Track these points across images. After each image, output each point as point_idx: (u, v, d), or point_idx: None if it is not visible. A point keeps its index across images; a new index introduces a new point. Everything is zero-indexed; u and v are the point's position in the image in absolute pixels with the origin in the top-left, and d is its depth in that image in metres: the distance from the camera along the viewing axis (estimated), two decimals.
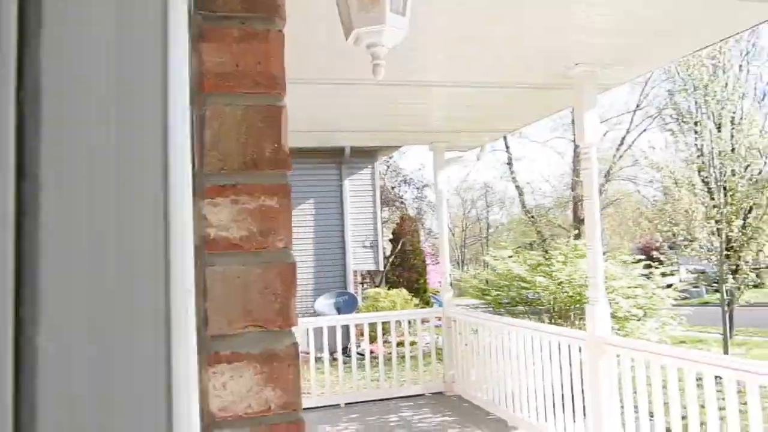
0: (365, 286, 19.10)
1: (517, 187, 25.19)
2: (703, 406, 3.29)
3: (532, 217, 23.48)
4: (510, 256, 6.44)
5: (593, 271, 4.17)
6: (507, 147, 25.44)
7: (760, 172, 8.25)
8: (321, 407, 6.46)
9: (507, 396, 5.42)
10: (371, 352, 8.21)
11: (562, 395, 4.53)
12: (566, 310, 6.03)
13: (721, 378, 3.19)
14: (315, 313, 11.57)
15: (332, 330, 6.62)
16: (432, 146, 6.98)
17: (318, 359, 7.95)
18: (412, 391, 6.82)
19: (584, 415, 4.34)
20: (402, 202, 23.30)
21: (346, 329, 6.98)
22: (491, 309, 6.57)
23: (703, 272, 16.28)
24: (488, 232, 41.48)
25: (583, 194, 4.29)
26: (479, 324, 6.01)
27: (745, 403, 3.04)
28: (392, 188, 23.77)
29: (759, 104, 13.66)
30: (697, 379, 3.36)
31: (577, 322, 5.90)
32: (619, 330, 5.44)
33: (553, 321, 6.14)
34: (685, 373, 3.41)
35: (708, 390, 3.26)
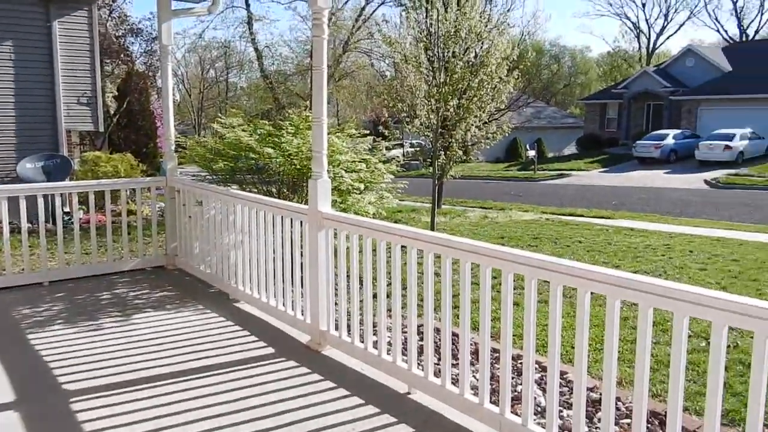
0: (84, 148, 17.11)
1: (256, 49, 24.20)
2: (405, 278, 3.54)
3: (271, 83, 22.93)
4: (240, 125, 6.11)
5: (317, 146, 4.10)
6: (247, 5, 24.01)
7: (476, 56, 8.97)
8: (18, 287, 5.71)
9: (230, 269, 5.34)
10: (84, 222, 7.42)
11: (283, 268, 4.56)
12: (297, 183, 6.01)
13: (422, 251, 3.43)
14: (18, 178, 10.02)
15: (32, 199, 5.74)
16: None
17: (14, 231, 6.93)
18: (129, 265, 6.38)
19: (302, 285, 4.45)
20: (128, 56, 20.85)
21: (51, 198, 6.11)
22: (219, 179, 6.28)
23: (421, 147, 17.77)
24: (227, 95, 39.90)
25: (313, 64, 4.10)
26: (204, 195, 5.71)
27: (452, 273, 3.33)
28: (117, 38, 21.04)
29: None
30: (402, 248, 3.59)
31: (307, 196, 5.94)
32: (341, 203, 5.60)
33: (282, 195, 6.09)
34: (393, 245, 3.60)
35: (412, 259, 3.51)
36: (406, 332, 3.66)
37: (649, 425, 3.41)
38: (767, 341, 2.13)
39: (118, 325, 4.76)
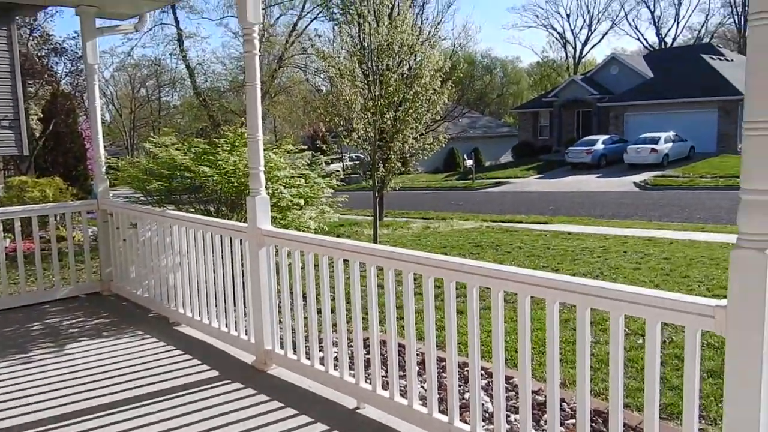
0: (8, 173, 16.33)
1: (188, 67, 23.72)
2: (348, 292, 3.52)
3: (204, 100, 22.52)
4: (174, 143, 5.97)
5: (254, 162, 4.05)
6: (177, 22, 23.57)
7: (410, 69, 9.09)
8: None
9: (169, 292, 5.18)
10: (10, 250, 7.06)
11: (224, 288, 4.46)
12: (236, 201, 5.90)
13: (365, 263, 3.42)
14: None
15: None
16: (79, 10, 5.92)
17: None
18: (62, 293, 6.10)
19: (244, 305, 4.36)
20: (53, 76, 20.09)
21: None
22: (153, 200, 6.10)
23: (360, 160, 17.82)
24: (160, 114, 38.96)
25: (246, 81, 4.05)
26: (138, 217, 5.53)
27: (397, 283, 3.32)
28: (40, 58, 20.27)
29: (412, 2, 14.92)
30: (345, 261, 3.56)
31: (246, 213, 5.83)
32: (281, 220, 5.54)
33: (220, 213, 5.97)
34: (335, 260, 3.58)
35: (354, 273, 3.49)
36: (352, 346, 3.64)
37: (594, 424, 3.49)
38: (697, 334, 2.22)
39: (52, 356, 4.54)
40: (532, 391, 3.73)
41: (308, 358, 3.94)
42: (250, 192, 4.10)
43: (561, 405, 3.75)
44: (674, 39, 64.33)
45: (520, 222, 14.90)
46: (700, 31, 62.87)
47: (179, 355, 4.52)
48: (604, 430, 3.45)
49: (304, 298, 3.86)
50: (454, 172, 37.79)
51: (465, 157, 33.77)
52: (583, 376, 2.53)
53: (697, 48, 44.32)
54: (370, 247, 3.45)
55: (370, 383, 3.53)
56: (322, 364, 3.85)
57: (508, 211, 18.25)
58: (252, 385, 3.92)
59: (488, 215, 16.76)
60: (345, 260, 3.58)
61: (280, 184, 5.62)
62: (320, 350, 3.91)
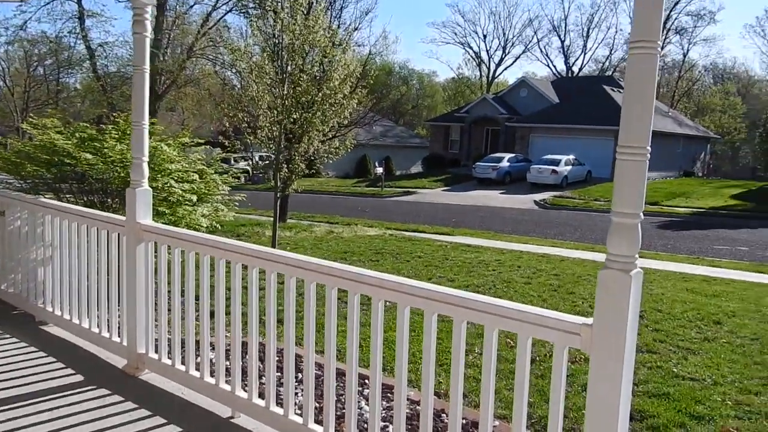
0: None
1: (89, 47, 22.30)
2: (229, 288, 3.36)
3: (103, 85, 21.28)
4: (56, 126, 5.55)
5: (137, 152, 3.80)
6: None
7: (321, 71, 8.98)
8: None
9: (38, 288, 4.77)
10: None
11: (98, 286, 4.16)
12: (123, 193, 5.55)
13: (247, 265, 3.28)
14: None
15: None
16: None
17: None
18: None
19: (118, 305, 4.08)
20: None
21: None
22: (29, 187, 5.64)
23: (267, 159, 17.47)
24: (58, 96, 36.59)
25: (134, 63, 3.80)
26: (7, 204, 5.07)
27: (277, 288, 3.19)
28: None
29: (329, 4, 14.81)
30: (227, 263, 3.40)
31: None
32: (170, 215, 5.27)
33: (105, 206, 5.61)
34: (216, 260, 3.41)
35: (236, 275, 3.33)
36: (230, 353, 3.47)
37: None
38: (564, 351, 2.25)
39: None
40: (414, 401, 3.71)
41: (183, 364, 3.72)
42: (131, 183, 3.84)
43: (441, 416, 3.77)
44: (580, 68, 67.93)
45: (423, 232, 15.09)
46: (604, 64, 66.70)
47: (41, 357, 4.16)
48: None
49: (183, 300, 3.66)
50: (365, 179, 37.94)
51: (376, 164, 33.97)
52: (456, 386, 2.51)
53: (600, 79, 47.00)
54: (253, 249, 3.30)
55: (247, 391, 3.38)
56: (197, 370, 3.65)
57: (413, 220, 18.46)
58: (120, 392, 3.65)
59: (393, 223, 16.88)
60: (227, 261, 3.42)
61: (171, 178, 5.34)
62: (197, 356, 3.71)
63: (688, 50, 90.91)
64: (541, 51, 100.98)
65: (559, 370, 2.25)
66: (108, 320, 4.18)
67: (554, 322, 2.25)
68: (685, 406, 4.06)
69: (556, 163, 31.95)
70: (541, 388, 4.29)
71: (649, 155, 2.07)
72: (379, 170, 31.70)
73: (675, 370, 4.87)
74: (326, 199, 26.83)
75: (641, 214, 2.07)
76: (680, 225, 20.65)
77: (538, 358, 4.94)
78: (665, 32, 62.77)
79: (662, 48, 64.49)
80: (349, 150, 10.45)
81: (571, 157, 33.08)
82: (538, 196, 28.39)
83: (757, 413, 4.05)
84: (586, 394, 2.19)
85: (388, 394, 3.82)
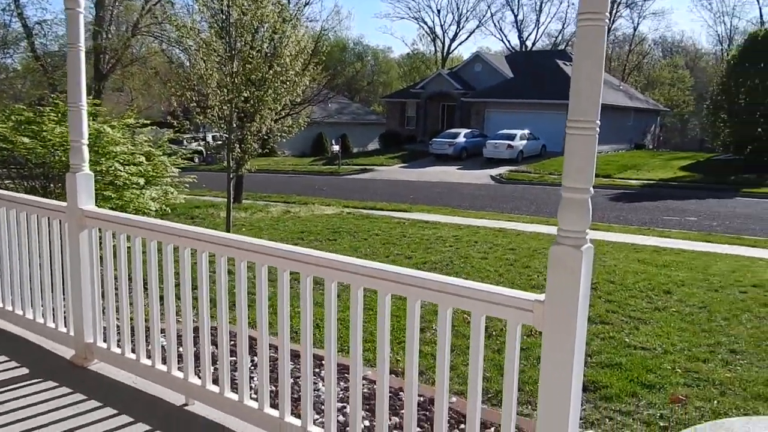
0: None
1: (26, 26, 21.23)
2: (178, 273, 3.26)
3: (43, 65, 20.35)
4: None
5: (76, 134, 3.63)
6: None
7: (272, 47, 8.77)
8: None
9: None
10: None
11: (41, 275, 3.99)
12: (64, 177, 5.33)
13: (196, 249, 3.18)
14: None
15: None
16: None
17: None
18: None
19: (63, 294, 3.93)
20: None
21: None
22: None
23: (220, 139, 17.15)
24: None
25: (68, 41, 3.61)
26: None
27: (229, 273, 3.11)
28: None
29: None
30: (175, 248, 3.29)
31: None
32: (117, 200, 5.09)
33: (48, 192, 5.38)
34: (164, 245, 3.30)
35: (184, 260, 3.23)
36: (183, 339, 3.38)
37: (427, 412, 3.52)
38: (518, 327, 2.25)
39: None
40: (372, 381, 3.70)
41: (134, 352, 3.62)
42: (71, 168, 3.67)
43: (398, 395, 3.77)
44: (534, 43, 68.53)
45: (381, 209, 15.08)
46: (557, 38, 67.42)
47: None
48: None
49: (131, 286, 3.54)
50: (321, 157, 37.65)
51: (332, 142, 33.70)
52: (411, 365, 2.50)
53: (553, 53, 47.49)
54: (201, 233, 3.20)
55: (200, 378, 3.30)
56: (149, 357, 3.55)
57: (370, 198, 18.42)
58: (68, 383, 3.53)
59: (351, 201, 16.81)
60: (176, 246, 3.31)
61: (116, 161, 5.15)
62: (147, 343, 3.61)
63: (638, 24, 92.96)
64: (495, 26, 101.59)
65: (513, 347, 2.25)
66: (53, 310, 4.03)
67: (507, 299, 2.24)
68: (637, 376, 4.16)
69: (512, 137, 32.27)
70: (498, 363, 4.33)
71: (598, 129, 2.05)
72: (336, 148, 31.46)
73: (627, 340, 4.99)
74: (283, 179, 26.53)
75: (591, 188, 2.06)
76: (632, 197, 21.16)
77: (495, 333, 4.99)
78: (616, 6, 63.72)
79: (613, 21, 65.57)
80: (303, 128, 10.29)
81: (526, 131, 33.45)
82: (495, 171, 28.68)
83: (705, 380, 4.18)
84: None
85: (346, 375, 3.80)
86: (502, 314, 2.30)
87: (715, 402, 3.83)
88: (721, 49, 61.29)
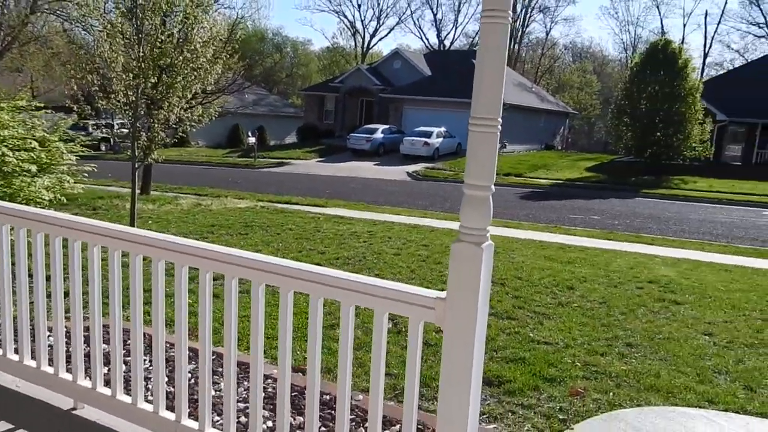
0: None
1: None
2: (67, 267, 3.04)
3: None
4: None
5: None
6: None
7: (183, 33, 8.40)
8: None
9: None
10: None
11: None
12: None
13: (77, 241, 2.98)
14: None
15: None
16: None
17: None
18: None
19: None
20: None
21: None
22: None
23: (126, 127, 16.43)
24: None
25: None
26: None
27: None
28: None
29: None
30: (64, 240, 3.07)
31: None
32: (5, 187, 4.71)
33: None
34: (51, 238, 3.07)
35: (74, 253, 3.02)
36: (71, 338, 3.16)
37: (333, 411, 3.47)
38: (420, 325, 2.23)
39: None
40: (276, 379, 3.61)
41: (17, 353, 3.35)
42: None
43: (304, 393, 3.69)
44: (452, 42, 69.89)
45: (297, 204, 14.89)
46: (474, 38, 68.99)
47: None
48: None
49: (15, 282, 3.27)
50: (237, 149, 36.80)
51: (249, 134, 32.95)
52: (313, 361, 2.44)
53: (470, 53, 48.49)
54: (92, 225, 2.99)
55: (90, 380, 3.10)
56: (33, 359, 3.30)
57: (286, 192, 18.16)
58: None
59: (266, 195, 16.49)
60: (64, 239, 3.08)
61: (4, 146, 4.77)
62: (32, 343, 3.35)
63: (550, 29, 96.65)
64: (415, 23, 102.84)
65: (415, 345, 2.23)
66: None
67: (410, 297, 2.22)
68: (539, 370, 4.29)
69: (428, 135, 32.74)
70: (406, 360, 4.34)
71: (500, 127, 2.06)
72: (252, 140, 30.78)
73: (531, 335, 5.13)
74: (196, 170, 25.71)
75: (493, 186, 2.07)
76: (541, 195, 21.98)
77: (405, 329, 5.00)
78: (530, 10, 66.03)
79: (527, 25, 67.63)
80: (214, 118, 9.96)
81: (443, 129, 34.03)
82: (411, 168, 28.99)
83: (603, 373, 4.36)
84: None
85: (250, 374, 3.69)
86: (404, 312, 2.28)
87: (611, 394, 4.00)
88: (626, 57, 64.86)
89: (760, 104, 32.92)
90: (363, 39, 71.05)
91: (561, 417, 3.60)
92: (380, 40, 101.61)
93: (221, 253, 2.63)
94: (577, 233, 12.53)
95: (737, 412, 3.84)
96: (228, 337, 2.64)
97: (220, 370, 3.70)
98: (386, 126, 36.19)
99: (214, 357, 3.07)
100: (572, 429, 3.46)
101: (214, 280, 2.69)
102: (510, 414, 3.62)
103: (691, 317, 6.02)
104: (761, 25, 60.78)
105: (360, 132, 35.20)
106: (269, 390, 3.63)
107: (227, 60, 10.07)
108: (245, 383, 3.61)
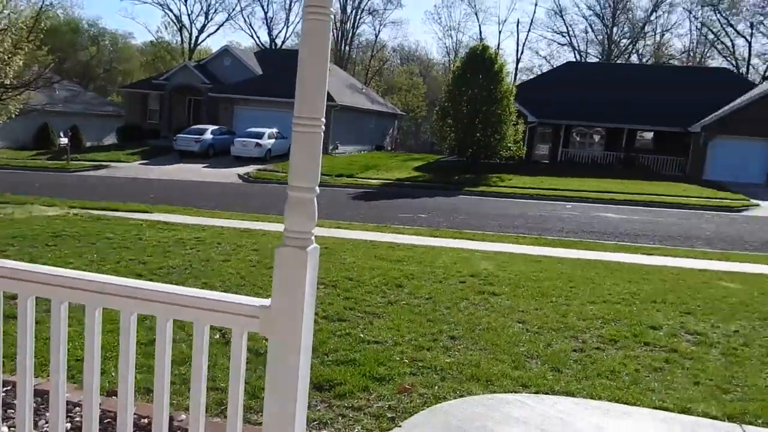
0: None
1: None
2: None
3: None
4: None
5: None
6: None
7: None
8: None
9: None
10: None
11: None
12: None
13: None
14: None
15: None
16: None
17: None
18: None
19: None
20: None
21: None
22: None
23: None
24: None
25: None
26: None
27: None
28: None
29: None
30: None
31: None
32: None
33: None
34: None
35: None
36: None
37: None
38: (244, 336, 2.13)
39: None
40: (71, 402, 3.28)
41: None
42: None
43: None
44: (284, 41, 69.38)
45: (116, 210, 13.82)
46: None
47: None
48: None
49: None
50: (47, 151, 33.37)
51: (61, 134, 30.00)
52: (126, 386, 2.23)
53: None
54: None
55: None
56: None
57: (105, 197, 16.79)
58: None
59: (81, 201, 15.11)
60: None
61: None
62: None
63: (379, 31, 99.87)
64: (245, 20, 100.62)
65: (238, 357, 2.13)
66: None
67: (231, 306, 2.11)
68: (369, 370, 4.34)
69: (260, 136, 32.17)
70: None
71: (323, 127, 2.02)
72: (64, 141, 28.04)
73: (362, 335, 5.19)
74: None
75: (317, 188, 2.03)
76: (372, 195, 22.56)
77: None
78: (360, 12, 67.62)
79: (357, 27, 69.01)
80: (14, 115, 8.89)
81: (275, 130, 33.63)
82: (243, 170, 28.28)
83: (428, 367, 4.53)
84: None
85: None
86: (227, 323, 2.16)
87: (437, 387, 4.16)
88: (449, 60, 68.92)
89: (563, 107, 36.68)
90: (190, 35, 68.05)
91: (390, 415, 3.67)
92: (209, 36, 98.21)
93: (20, 270, 2.31)
94: (406, 232, 13.00)
95: (546, 393, 4.19)
96: (21, 362, 2.32)
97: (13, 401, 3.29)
98: (216, 126, 34.95)
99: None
100: (400, 426, 3.54)
101: (12, 299, 2.36)
102: (340, 418, 3.61)
103: (506, 307, 6.48)
104: (564, 34, 68.09)
105: (188, 132, 33.61)
106: (77, 420, 3.28)
107: (32, 51, 9.06)
108: (47, 414, 3.23)
